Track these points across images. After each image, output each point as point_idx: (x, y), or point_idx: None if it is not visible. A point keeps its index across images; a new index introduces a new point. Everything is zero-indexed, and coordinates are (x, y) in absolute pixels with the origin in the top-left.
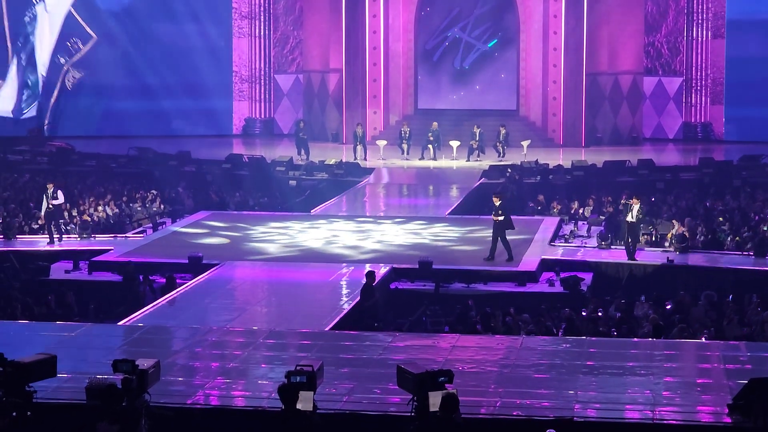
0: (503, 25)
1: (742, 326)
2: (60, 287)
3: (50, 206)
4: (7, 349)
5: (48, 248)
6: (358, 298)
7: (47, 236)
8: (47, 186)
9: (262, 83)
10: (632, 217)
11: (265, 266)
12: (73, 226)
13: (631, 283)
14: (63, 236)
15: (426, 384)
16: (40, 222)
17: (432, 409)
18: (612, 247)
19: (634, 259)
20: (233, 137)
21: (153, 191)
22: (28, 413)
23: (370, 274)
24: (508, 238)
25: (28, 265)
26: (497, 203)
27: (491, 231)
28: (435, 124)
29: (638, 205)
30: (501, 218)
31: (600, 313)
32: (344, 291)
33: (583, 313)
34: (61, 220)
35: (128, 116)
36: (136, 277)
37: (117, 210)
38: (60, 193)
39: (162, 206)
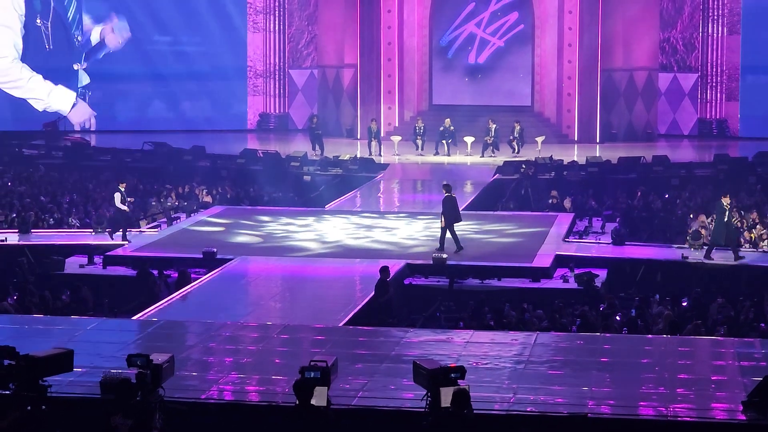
0: (518, 20)
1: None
2: (75, 282)
3: (125, 207)
4: (23, 342)
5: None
6: (372, 293)
7: (102, 231)
8: (119, 186)
9: (277, 78)
10: (727, 217)
11: (279, 261)
12: (89, 221)
13: (646, 280)
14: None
15: (438, 380)
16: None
17: (444, 404)
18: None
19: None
20: (248, 132)
21: (168, 186)
22: (43, 407)
23: (385, 270)
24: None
25: (43, 259)
26: (445, 194)
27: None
28: (447, 120)
29: (728, 202)
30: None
31: (618, 317)
32: (358, 286)
33: (601, 309)
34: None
35: (143, 109)
36: (151, 274)
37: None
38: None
39: (177, 201)
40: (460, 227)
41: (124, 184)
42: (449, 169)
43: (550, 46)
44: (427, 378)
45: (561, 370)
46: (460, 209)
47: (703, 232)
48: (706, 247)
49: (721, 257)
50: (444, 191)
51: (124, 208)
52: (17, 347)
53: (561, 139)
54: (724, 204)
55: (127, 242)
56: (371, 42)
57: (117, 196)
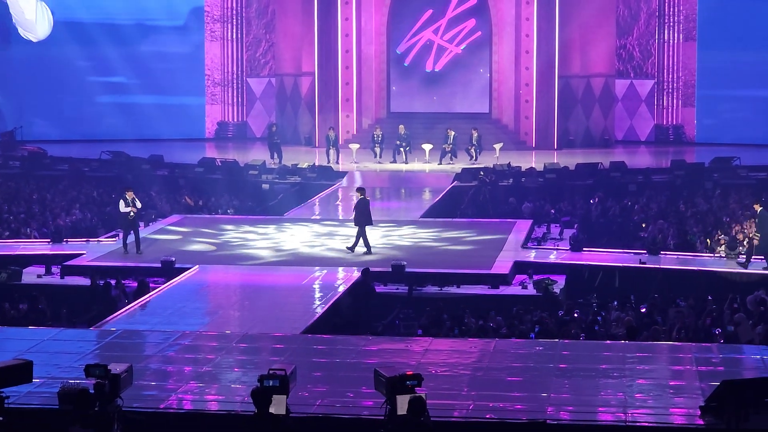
0: (475, 28)
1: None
2: (32, 292)
3: (132, 214)
4: None
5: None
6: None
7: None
8: (126, 193)
9: (235, 87)
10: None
11: (238, 270)
12: (45, 230)
13: (604, 286)
14: (141, 247)
15: (396, 387)
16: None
17: (400, 412)
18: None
19: None
20: (206, 141)
21: (113, 195)
22: (1, 418)
23: (367, 272)
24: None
25: (0, 269)
26: (359, 197)
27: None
28: (402, 127)
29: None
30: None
31: (576, 314)
32: (317, 294)
33: (560, 315)
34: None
35: (101, 119)
36: (101, 283)
37: None
38: (137, 201)
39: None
40: (417, 233)
41: (131, 192)
42: (407, 177)
43: (507, 53)
44: (385, 385)
45: (520, 377)
46: (419, 217)
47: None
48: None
49: (677, 262)
50: (358, 194)
51: (127, 210)
52: None
53: (519, 145)
54: (763, 211)
55: (140, 252)
56: (329, 50)
57: (121, 203)
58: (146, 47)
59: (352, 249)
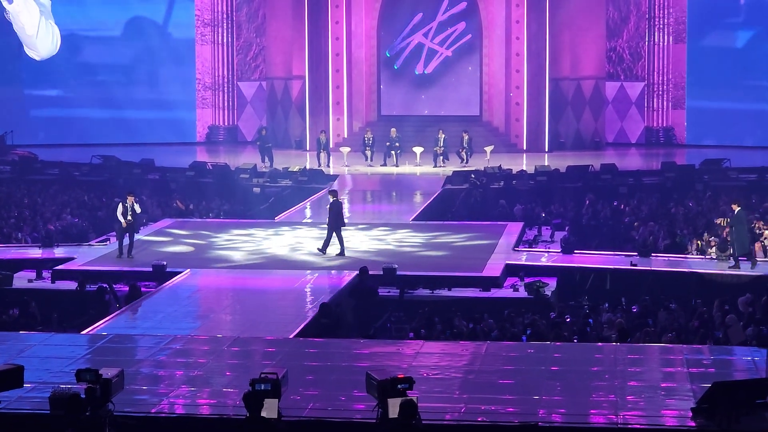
0: (466, 30)
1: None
2: (23, 297)
3: (129, 219)
4: None
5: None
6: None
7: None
8: (127, 197)
9: (226, 90)
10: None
11: (229, 274)
12: (36, 235)
13: (596, 288)
14: (132, 252)
15: (387, 391)
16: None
17: (391, 415)
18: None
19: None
20: (197, 145)
21: (116, 199)
22: None
23: (365, 270)
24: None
25: None
26: (332, 199)
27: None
28: (393, 130)
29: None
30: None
31: (568, 319)
32: (309, 298)
33: (551, 317)
34: (136, 234)
35: (91, 124)
36: (93, 287)
37: None
38: (138, 206)
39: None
40: (408, 236)
41: (132, 197)
42: (398, 180)
43: (498, 56)
44: (377, 389)
45: (511, 379)
46: (410, 220)
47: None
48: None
49: (667, 264)
50: (331, 197)
51: (123, 220)
52: None
53: (510, 148)
54: (740, 211)
55: (131, 257)
56: (319, 53)
57: (119, 207)
58: (138, 51)
59: (323, 251)
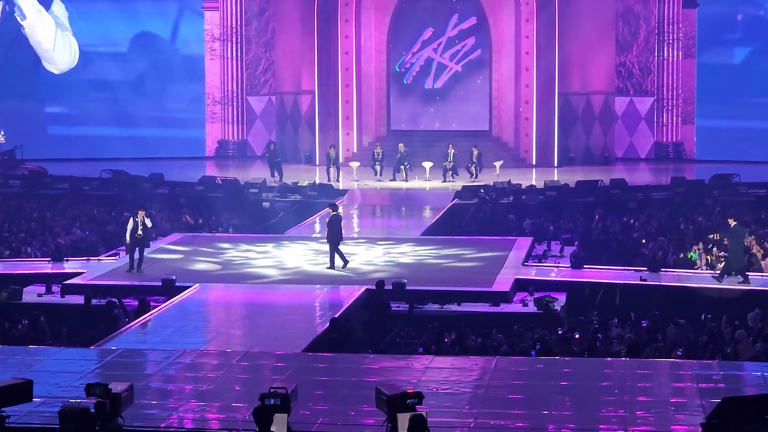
0: (475, 45)
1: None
2: (33, 311)
3: (139, 233)
4: None
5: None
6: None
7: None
8: (138, 212)
9: (235, 105)
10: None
11: (238, 288)
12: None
13: (605, 303)
14: (142, 266)
15: (396, 406)
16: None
17: (401, 430)
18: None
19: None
20: (206, 159)
21: (126, 213)
22: None
23: (381, 284)
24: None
25: (0, 288)
26: (332, 213)
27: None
28: (401, 145)
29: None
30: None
31: (577, 336)
32: (318, 313)
33: (560, 332)
34: (145, 248)
35: (100, 139)
36: (101, 302)
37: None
38: (148, 221)
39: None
40: (417, 251)
41: (143, 212)
42: (407, 195)
43: (507, 71)
44: (386, 404)
45: (521, 395)
46: (419, 234)
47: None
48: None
49: (677, 279)
50: (330, 210)
51: (128, 237)
52: None
53: (519, 163)
54: (737, 226)
55: (140, 272)
56: (329, 68)
57: (130, 222)
58: (147, 66)
59: (331, 266)
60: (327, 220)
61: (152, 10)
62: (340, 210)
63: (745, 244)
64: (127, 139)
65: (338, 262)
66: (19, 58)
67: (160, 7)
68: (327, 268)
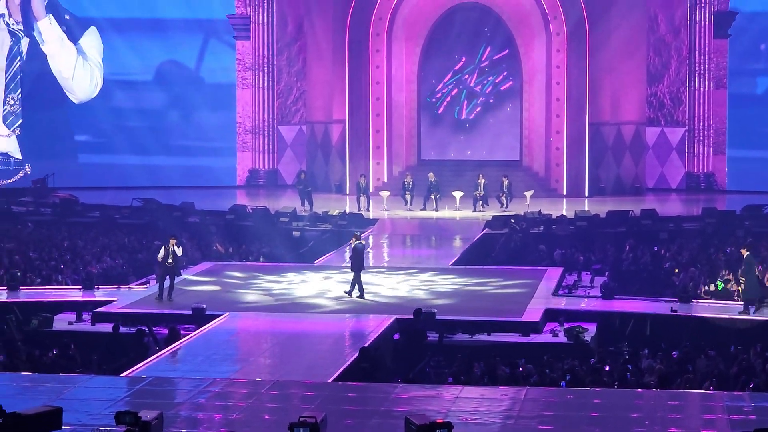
0: (507, 76)
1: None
2: (63, 338)
3: (170, 262)
4: (10, 401)
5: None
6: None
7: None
8: (170, 240)
9: (266, 134)
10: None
11: (268, 317)
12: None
13: (636, 334)
14: (172, 294)
15: None
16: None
17: None
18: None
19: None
20: (237, 188)
21: (157, 242)
22: None
23: (419, 312)
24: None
25: (31, 316)
26: (355, 242)
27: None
28: (431, 174)
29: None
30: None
31: (607, 367)
32: (347, 342)
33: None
34: (176, 277)
35: (132, 168)
36: (131, 330)
37: None
38: (179, 249)
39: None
40: (447, 280)
41: (174, 240)
42: (438, 224)
43: (538, 101)
44: None
45: (551, 425)
46: (449, 264)
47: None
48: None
49: (708, 310)
50: (353, 239)
51: (170, 263)
52: (4, 405)
53: (549, 193)
54: (749, 256)
55: (171, 300)
56: (360, 97)
57: (161, 250)
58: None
59: (349, 293)
60: (350, 249)
61: (184, 39)
62: (364, 240)
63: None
64: (157, 169)
65: (356, 291)
66: (50, 86)
67: (191, 36)
68: (344, 291)
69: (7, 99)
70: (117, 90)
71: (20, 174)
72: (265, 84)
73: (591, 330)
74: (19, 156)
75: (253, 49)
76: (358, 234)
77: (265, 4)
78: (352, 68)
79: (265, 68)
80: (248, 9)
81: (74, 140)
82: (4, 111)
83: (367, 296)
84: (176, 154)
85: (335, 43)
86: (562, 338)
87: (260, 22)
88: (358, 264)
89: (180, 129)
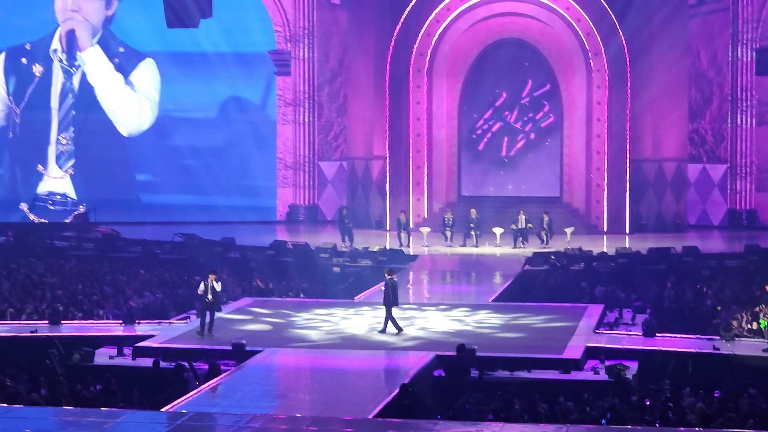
0: (548, 112)
1: None
2: (104, 373)
3: (209, 297)
4: None
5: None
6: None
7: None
8: (209, 276)
9: (306, 170)
10: None
11: (308, 353)
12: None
13: (678, 372)
14: (213, 329)
15: None
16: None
17: None
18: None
19: None
20: (277, 224)
21: (197, 277)
22: None
23: (462, 348)
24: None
25: (73, 350)
26: (387, 277)
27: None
28: (473, 211)
29: None
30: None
31: (648, 403)
32: (387, 378)
33: (632, 401)
34: (217, 312)
35: (173, 202)
36: (170, 365)
37: None
38: (218, 285)
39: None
40: (488, 317)
41: (213, 275)
42: (478, 261)
43: (578, 137)
44: None
45: None
46: (489, 300)
47: (734, 323)
48: (737, 339)
49: (750, 348)
50: (386, 274)
51: (209, 299)
52: None
53: (590, 230)
54: None
55: (211, 335)
56: (400, 134)
57: (201, 285)
58: (219, 133)
59: (383, 330)
60: (383, 285)
61: (224, 73)
62: (397, 276)
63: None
64: (199, 208)
65: (391, 328)
66: (102, 121)
67: (232, 70)
68: (378, 332)
69: (60, 138)
70: (171, 125)
71: (75, 213)
72: (306, 120)
73: (632, 368)
74: (74, 195)
75: (294, 84)
76: (391, 270)
77: (307, 39)
78: (393, 104)
79: (306, 104)
80: (289, 45)
81: (124, 177)
82: (57, 151)
83: (407, 332)
84: (217, 193)
85: (376, 79)
86: (603, 376)
87: (301, 57)
88: (390, 300)
89: (222, 166)
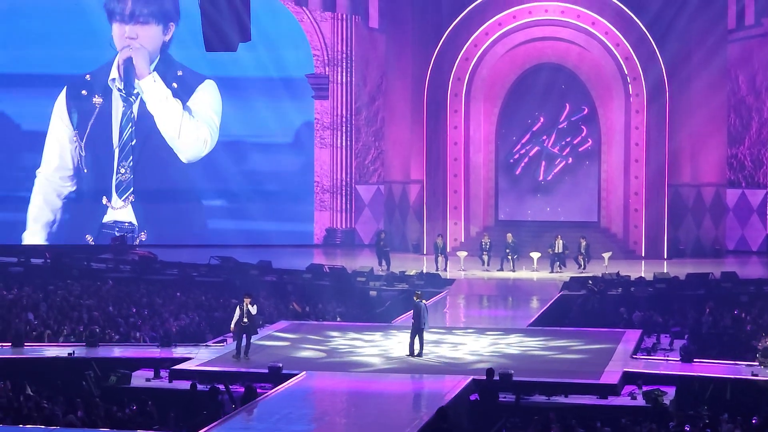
0: (585, 137)
1: None
2: (141, 395)
3: (244, 321)
4: None
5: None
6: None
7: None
8: (244, 299)
9: (344, 194)
10: None
11: (344, 377)
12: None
13: (716, 398)
14: (249, 353)
15: None
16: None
17: None
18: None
19: None
20: (314, 247)
21: (234, 300)
22: None
23: (491, 372)
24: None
25: (109, 372)
26: (416, 300)
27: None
28: (509, 235)
29: None
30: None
31: (687, 429)
32: (424, 402)
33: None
34: (253, 335)
35: (209, 224)
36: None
37: None
38: (254, 308)
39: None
40: (524, 341)
41: (249, 299)
42: (515, 285)
43: (616, 162)
44: None
45: None
46: (526, 325)
47: None
48: None
49: None
50: (415, 297)
51: (245, 322)
52: None
53: (628, 254)
54: None
55: (247, 359)
56: (437, 158)
57: (236, 310)
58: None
59: (420, 354)
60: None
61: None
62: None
63: None
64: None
65: (417, 346)
66: (160, 148)
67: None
68: (407, 355)
69: (119, 168)
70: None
71: (136, 241)
72: (344, 143)
73: (670, 393)
74: (135, 223)
75: (332, 108)
76: (419, 293)
77: (344, 63)
78: (430, 128)
79: (344, 128)
80: (327, 69)
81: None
82: (116, 180)
83: (443, 356)
84: (255, 217)
85: (413, 103)
86: (640, 401)
87: (339, 81)
88: (418, 322)
89: (260, 190)
